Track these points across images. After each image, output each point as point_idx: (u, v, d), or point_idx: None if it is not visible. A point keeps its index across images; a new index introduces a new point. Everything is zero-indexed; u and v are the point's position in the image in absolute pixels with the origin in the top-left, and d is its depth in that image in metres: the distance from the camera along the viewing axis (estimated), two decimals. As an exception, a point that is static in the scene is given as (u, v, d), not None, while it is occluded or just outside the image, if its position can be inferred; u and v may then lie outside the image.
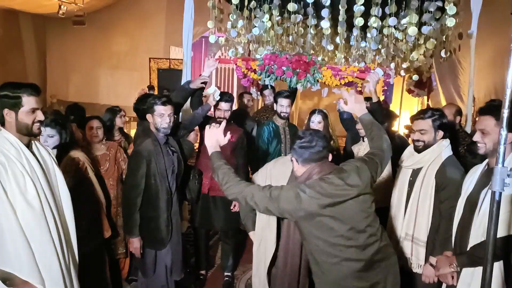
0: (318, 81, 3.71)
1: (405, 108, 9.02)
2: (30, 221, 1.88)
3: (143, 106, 3.29)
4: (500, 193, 1.53)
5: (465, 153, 3.48)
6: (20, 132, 1.98)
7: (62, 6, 9.21)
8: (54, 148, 2.87)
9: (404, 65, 5.00)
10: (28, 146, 2.01)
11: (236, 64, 3.92)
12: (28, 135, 2.00)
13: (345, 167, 2.10)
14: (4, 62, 10.42)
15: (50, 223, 1.96)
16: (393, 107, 8.21)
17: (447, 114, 3.74)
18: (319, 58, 5.31)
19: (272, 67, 3.65)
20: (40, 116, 2.00)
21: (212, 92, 3.47)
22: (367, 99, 4.24)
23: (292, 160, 2.18)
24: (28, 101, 1.96)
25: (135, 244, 2.97)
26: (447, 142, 2.65)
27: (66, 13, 9.48)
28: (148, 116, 3.01)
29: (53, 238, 1.95)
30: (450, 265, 2.29)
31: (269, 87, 4.71)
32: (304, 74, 3.60)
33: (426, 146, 2.64)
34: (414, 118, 2.75)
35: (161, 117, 2.94)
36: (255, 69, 3.80)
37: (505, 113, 1.51)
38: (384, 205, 3.44)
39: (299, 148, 2.10)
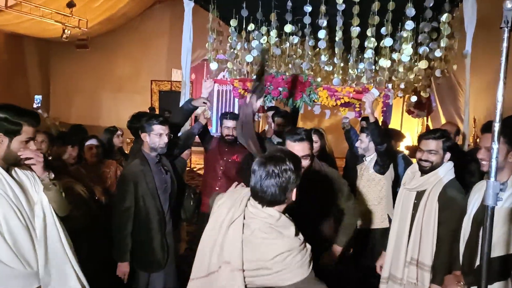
0: (314, 101, 3.71)
1: (405, 129, 9.01)
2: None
3: (136, 124, 3.29)
4: (493, 208, 1.51)
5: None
6: (6, 161, 1.84)
7: (65, 30, 9.37)
8: None
9: (402, 86, 5.01)
10: (8, 170, 1.87)
11: (233, 85, 3.94)
12: (14, 165, 1.88)
13: None
14: (8, 85, 10.56)
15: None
16: (394, 128, 8.23)
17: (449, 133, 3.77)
18: (318, 79, 5.38)
19: (269, 88, 3.66)
20: (32, 147, 1.89)
21: (202, 112, 3.50)
22: (365, 118, 4.28)
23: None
24: (27, 131, 1.85)
25: (124, 268, 2.88)
26: (451, 164, 2.57)
27: (69, 37, 9.64)
28: (144, 135, 2.96)
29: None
30: (458, 284, 2.23)
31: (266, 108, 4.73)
32: (300, 94, 3.61)
33: (433, 167, 2.55)
34: (423, 138, 2.63)
35: (159, 136, 2.91)
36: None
37: (496, 126, 1.50)
38: (369, 226, 3.41)
39: None
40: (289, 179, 1.54)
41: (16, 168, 1.93)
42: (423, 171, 2.60)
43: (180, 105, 4.17)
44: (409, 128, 8.97)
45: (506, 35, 1.45)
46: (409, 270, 2.58)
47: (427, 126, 7.58)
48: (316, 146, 3.68)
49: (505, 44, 1.46)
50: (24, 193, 1.88)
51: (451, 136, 2.73)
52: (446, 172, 2.55)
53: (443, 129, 2.79)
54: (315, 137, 3.69)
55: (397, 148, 4.39)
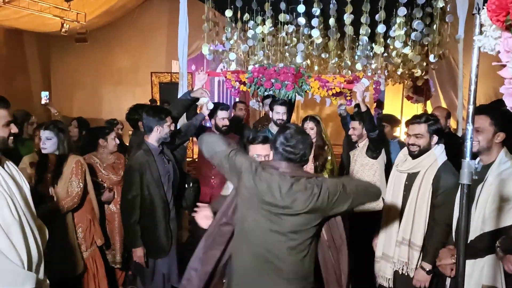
0: (306, 92, 3.81)
1: (406, 115, 9.07)
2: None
3: (135, 116, 3.42)
4: (469, 186, 1.60)
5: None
6: None
7: (64, 24, 9.42)
8: (52, 152, 3.00)
9: (399, 72, 5.09)
10: (0, 164, 1.89)
11: (225, 77, 4.02)
12: (4, 150, 1.91)
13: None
14: (9, 80, 10.66)
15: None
16: (395, 114, 8.28)
17: (438, 117, 3.86)
18: (316, 68, 5.45)
19: (261, 79, 3.74)
20: (14, 129, 1.92)
21: (205, 102, 3.60)
22: (358, 105, 4.37)
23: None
24: (3, 114, 1.87)
25: (139, 253, 3.06)
26: (442, 147, 2.68)
27: (68, 31, 9.69)
28: (158, 128, 3.10)
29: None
30: (452, 257, 2.33)
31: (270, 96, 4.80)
32: (292, 86, 3.69)
33: (422, 151, 2.65)
34: (409, 123, 2.77)
35: (169, 126, 3.12)
36: (244, 82, 3.89)
37: (471, 108, 1.59)
38: (364, 209, 3.51)
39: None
40: None
41: (7, 162, 1.95)
42: (412, 155, 2.69)
43: (179, 96, 4.28)
44: (410, 114, 8.98)
45: (477, 21, 1.54)
46: (401, 249, 2.68)
47: (425, 111, 7.62)
48: (312, 133, 3.77)
49: (477, 30, 1.55)
50: (17, 186, 1.88)
51: (440, 120, 2.81)
52: (439, 154, 2.64)
53: (430, 113, 2.89)
54: (311, 124, 3.78)
55: (393, 134, 4.48)
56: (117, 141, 3.59)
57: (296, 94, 3.81)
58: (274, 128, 4.06)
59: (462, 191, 1.60)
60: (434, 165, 2.62)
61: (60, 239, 2.90)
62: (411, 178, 2.70)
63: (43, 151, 2.98)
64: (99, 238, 3.25)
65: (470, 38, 3.93)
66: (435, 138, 2.67)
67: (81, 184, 3.02)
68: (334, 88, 3.65)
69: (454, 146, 3.51)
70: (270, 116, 4.14)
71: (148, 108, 3.46)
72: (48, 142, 2.97)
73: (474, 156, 2.53)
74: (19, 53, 11.41)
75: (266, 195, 1.90)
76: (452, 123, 4.12)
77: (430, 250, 2.55)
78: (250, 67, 4.02)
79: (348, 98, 3.88)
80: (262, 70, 3.71)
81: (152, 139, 3.12)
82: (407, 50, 4.58)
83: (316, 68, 5.57)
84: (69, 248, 2.99)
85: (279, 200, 1.88)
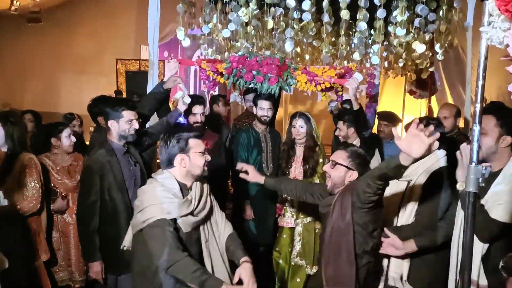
0: (292, 86, 3.79)
1: (408, 112, 9.17)
2: None
3: (97, 109, 3.38)
4: (475, 194, 1.63)
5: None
6: None
7: (14, 2, 9.24)
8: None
9: (400, 63, 5.13)
10: None
11: (200, 66, 3.95)
12: None
13: None
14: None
15: None
16: (395, 110, 8.36)
17: (447, 115, 3.92)
18: (307, 56, 5.46)
19: (241, 70, 3.70)
20: None
21: (180, 97, 3.55)
22: (346, 101, 4.40)
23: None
24: None
25: (96, 268, 3.02)
26: (442, 153, 2.74)
27: (19, 10, 9.51)
28: (111, 123, 3.06)
29: None
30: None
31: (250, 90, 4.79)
32: (276, 79, 3.65)
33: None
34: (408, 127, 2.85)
35: (129, 123, 3.03)
36: (221, 72, 3.83)
37: (478, 107, 1.62)
38: None
39: None
40: None
41: None
42: None
43: (149, 89, 4.23)
44: (412, 111, 9.11)
45: (486, 9, 1.56)
46: (397, 262, 2.74)
47: (430, 107, 7.71)
48: (302, 131, 3.77)
49: (486, 19, 1.57)
50: None
51: (444, 126, 2.87)
52: (434, 161, 2.70)
53: (431, 117, 2.94)
54: (300, 122, 3.78)
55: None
56: (73, 139, 3.53)
57: (281, 88, 3.79)
58: (258, 126, 4.06)
59: (468, 200, 1.63)
60: (426, 173, 2.69)
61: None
62: (407, 185, 2.77)
63: None
64: (43, 253, 3.20)
65: (480, 26, 4.01)
66: (436, 144, 2.73)
67: (37, 185, 2.98)
68: (323, 83, 3.63)
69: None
70: (254, 112, 4.14)
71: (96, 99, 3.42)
72: None
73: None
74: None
75: None
76: (460, 122, 4.17)
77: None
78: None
79: (340, 93, 3.87)
80: (242, 60, 3.66)
81: (113, 136, 3.08)
82: (410, 39, 4.63)
83: (307, 57, 5.57)
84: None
85: None
